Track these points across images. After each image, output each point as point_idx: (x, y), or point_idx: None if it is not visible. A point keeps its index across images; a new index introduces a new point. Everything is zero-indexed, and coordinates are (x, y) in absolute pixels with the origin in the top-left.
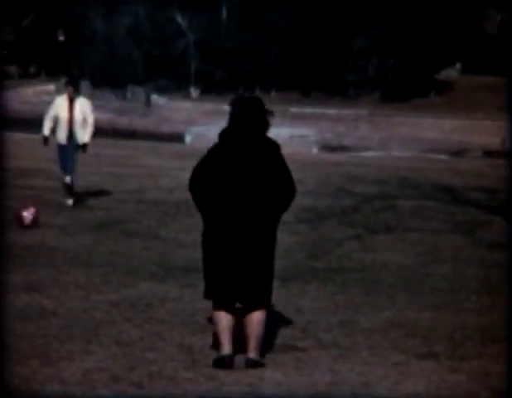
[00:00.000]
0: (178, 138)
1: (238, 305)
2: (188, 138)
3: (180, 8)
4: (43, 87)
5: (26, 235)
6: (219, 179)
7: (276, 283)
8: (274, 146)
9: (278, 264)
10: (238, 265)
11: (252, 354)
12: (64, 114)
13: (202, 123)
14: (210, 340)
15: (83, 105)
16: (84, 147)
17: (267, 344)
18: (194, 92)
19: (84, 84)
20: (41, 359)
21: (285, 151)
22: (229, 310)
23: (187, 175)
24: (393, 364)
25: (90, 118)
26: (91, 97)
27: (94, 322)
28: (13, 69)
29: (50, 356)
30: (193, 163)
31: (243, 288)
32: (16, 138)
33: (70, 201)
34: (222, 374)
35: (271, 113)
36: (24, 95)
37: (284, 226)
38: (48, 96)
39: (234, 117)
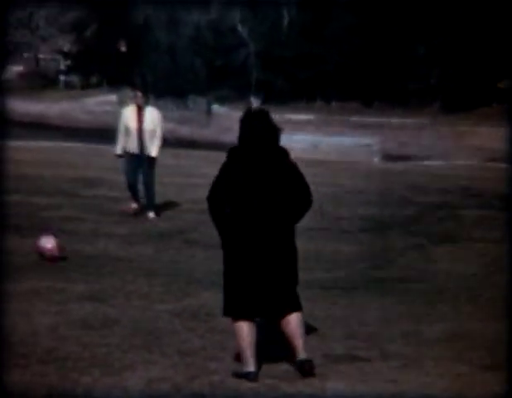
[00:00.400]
0: None
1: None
2: None
3: (241, 18)
4: (105, 97)
5: (89, 245)
6: (236, 194)
7: (338, 293)
8: (286, 154)
9: (341, 273)
10: (264, 277)
11: (303, 355)
12: (133, 125)
13: None
14: (271, 350)
15: (153, 115)
16: (151, 160)
17: (330, 355)
18: (254, 101)
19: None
20: (104, 368)
21: (347, 160)
22: (252, 324)
23: None
24: (456, 375)
25: (159, 131)
26: (153, 106)
27: (156, 331)
28: (75, 79)
29: (112, 366)
30: None
31: (272, 299)
32: (80, 148)
33: (151, 214)
34: (284, 385)
35: (279, 128)
36: (86, 106)
37: (346, 236)
38: (110, 106)
39: (246, 132)
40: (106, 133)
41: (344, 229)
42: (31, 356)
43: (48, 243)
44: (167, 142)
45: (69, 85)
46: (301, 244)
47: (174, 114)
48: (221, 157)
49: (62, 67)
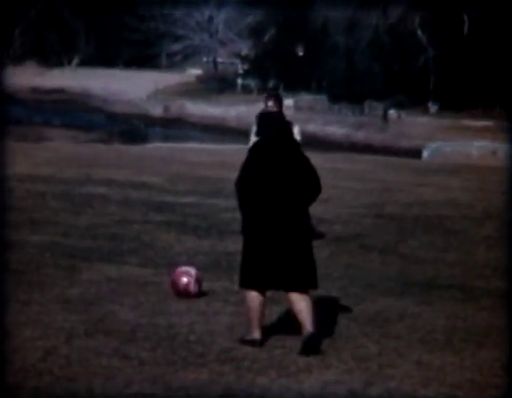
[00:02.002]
0: (415, 153)
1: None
2: (425, 154)
3: (420, 23)
4: None
5: None
6: (257, 181)
7: None
8: (298, 147)
9: None
10: (277, 254)
11: (312, 328)
12: None
13: (440, 138)
14: (449, 358)
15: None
16: None
17: None
18: (432, 107)
19: (321, 99)
20: (280, 370)
21: None
22: (262, 298)
23: (425, 191)
24: None
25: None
26: (328, 111)
27: (331, 335)
28: (253, 83)
29: (288, 368)
30: (431, 179)
31: (293, 274)
32: None
33: None
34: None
35: (290, 122)
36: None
37: None
38: (286, 110)
39: (263, 129)
40: None
41: None
42: (209, 354)
43: (184, 277)
44: (343, 146)
45: (246, 89)
46: (480, 252)
47: (350, 119)
48: (397, 162)
49: (240, 71)
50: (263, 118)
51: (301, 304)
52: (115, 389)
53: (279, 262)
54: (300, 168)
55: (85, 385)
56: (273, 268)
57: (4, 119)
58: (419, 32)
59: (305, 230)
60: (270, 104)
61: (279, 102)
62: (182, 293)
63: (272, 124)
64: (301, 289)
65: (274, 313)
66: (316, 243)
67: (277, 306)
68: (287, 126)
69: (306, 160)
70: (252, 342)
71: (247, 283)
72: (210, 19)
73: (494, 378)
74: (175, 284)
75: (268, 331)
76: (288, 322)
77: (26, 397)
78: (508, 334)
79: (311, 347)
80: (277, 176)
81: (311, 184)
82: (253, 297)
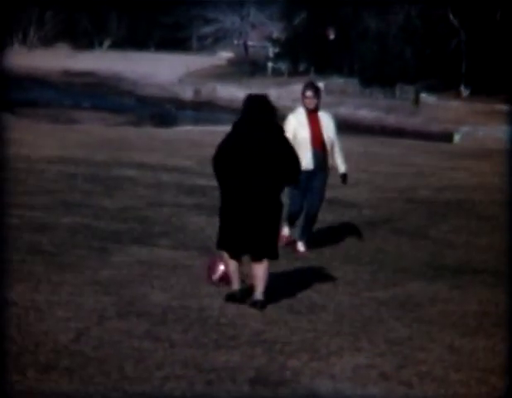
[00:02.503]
0: (447, 137)
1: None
2: (457, 138)
3: (452, 7)
4: None
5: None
6: (236, 156)
7: None
8: (280, 130)
9: None
10: (249, 224)
11: (259, 296)
12: (304, 134)
13: (471, 123)
14: (481, 343)
15: (328, 122)
16: (344, 178)
17: None
18: (464, 91)
19: (353, 83)
20: (311, 353)
21: None
22: (237, 257)
23: (457, 175)
24: None
25: (338, 142)
26: (359, 95)
27: (362, 318)
28: (283, 66)
29: (319, 351)
30: (462, 163)
31: (253, 242)
32: None
33: (301, 247)
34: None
35: (274, 107)
36: (294, 92)
37: None
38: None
39: (246, 109)
40: None
41: None
42: (240, 337)
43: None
44: (374, 130)
45: (277, 72)
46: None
47: (381, 103)
48: (429, 146)
49: (270, 54)
50: (249, 100)
51: (257, 271)
52: (146, 371)
53: (246, 231)
54: (278, 149)
55: (117, 366)
56: (241, 236)
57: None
58: (451, 16)
59: (274, 205)
60: (309, 94)
61: (318, 92)
62: (216, 281)
63: (255, 106)
64: (260, 257)
65: (306, 298)
66: (345, 227)
67: (312, 290)
68: (272, 110)
69: (286, 142)
70: (231, 296)
71: (221, 246)
72: (241, 2)
73: None
74: (211, 271)
75: (300, 313)
76: (320, 307)
77: (59, 377)
78: None
79: (254, 307)
80: (252, 153)
81: (288, 165)
82: (228, 258)
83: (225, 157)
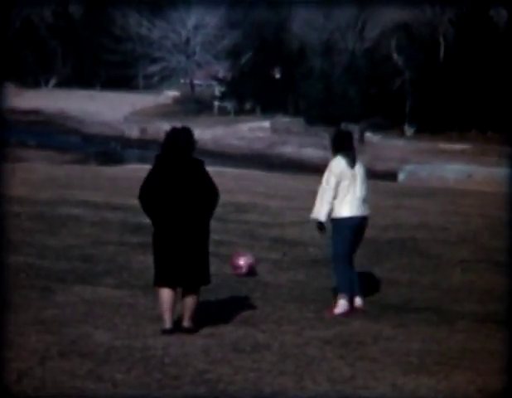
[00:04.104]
0: (391, 176)
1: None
2: (401, 177)
3: (396, 47)
4: (258, 124)
5: None
6: (161, 191)
7: (492, 326)
8: (200, 163)
9: (495, 307)
10: (182, 257)
11: (187, 324)
12: (349, 182)
13: (416, 161)
14: (424, 381)
15: (362, 168)
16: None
17: (483, 390)
18: (408, 130)
19: (298, 122)
20: (255, 392)
21: (503, 191)
22: (172, 292)
23: (401, 214)
24: None
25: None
26: (304, 133)
27: (306, 357)
28: (229, 105)
29: (263, 390)
30: (406, 202)
31: (188, 274)
32: (231, 173)
33: (360, 302)
34: None
35: (195, 140)
36: (239, 131)
37: (501, 269)
38: (262, 132)
39: (167, 143)
40: (258, 159)
41: (499, 261)
42: (184, 377)
43: (241, 260)
44: (319, 169)
45: (223, 111)
46: (455, 276)
47: (326, 142)
48: (373, 184)
49: (217, 93)
50: (171, 133)
51: (187, 301)
52: None
53: (180, 263)
54: (201, 182)
55: None
56: (176, 268)
57: None
58: (395, 56)
59: (203, 234)
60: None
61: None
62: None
63: (178, 139)
64: (195, 289)
65: (249, 337)
66: (290, 265)
67: (256, 329)
68: (192, 143)
69: (207, 176)
70: (164, 331)
71: (159, 281)
72: (187, 41)
73: None
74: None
75: (244, 352)
76: (264, 346)
77: None
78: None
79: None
80: (177, 186)
81: (209, 197)
82: (164, 292)
83: (151, 193)
